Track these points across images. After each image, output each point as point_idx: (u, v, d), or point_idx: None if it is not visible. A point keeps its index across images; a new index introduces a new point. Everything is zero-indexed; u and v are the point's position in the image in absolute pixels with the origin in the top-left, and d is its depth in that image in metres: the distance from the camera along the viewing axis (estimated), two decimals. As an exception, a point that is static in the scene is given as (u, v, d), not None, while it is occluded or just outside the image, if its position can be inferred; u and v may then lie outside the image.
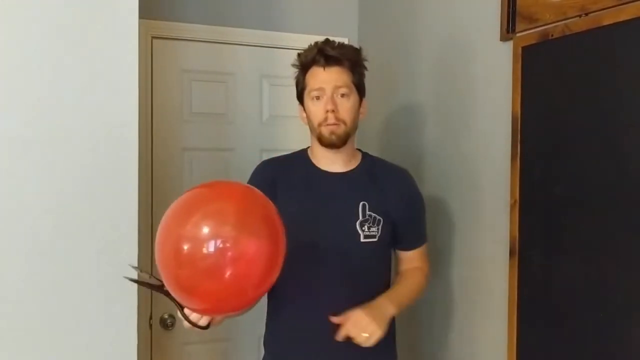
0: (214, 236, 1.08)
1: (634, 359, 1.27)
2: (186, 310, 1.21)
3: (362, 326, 1.44)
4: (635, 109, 1.27)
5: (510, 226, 1.60)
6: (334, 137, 1.55)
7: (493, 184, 1.71)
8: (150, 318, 2.26)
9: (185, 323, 1.26)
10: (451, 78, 1.93)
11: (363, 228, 1.58)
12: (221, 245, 1.08)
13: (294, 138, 2.29)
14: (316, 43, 1.60)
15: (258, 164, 1.75)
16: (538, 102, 1.53)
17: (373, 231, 1.59)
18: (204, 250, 1.07)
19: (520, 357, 1.57)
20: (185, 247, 1.08)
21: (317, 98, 1.55)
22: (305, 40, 2.20)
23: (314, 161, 1.66)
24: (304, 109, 1.62)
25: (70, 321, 1.54)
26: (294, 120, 2.34)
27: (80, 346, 1.55)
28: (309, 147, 1.72)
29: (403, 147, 2.20)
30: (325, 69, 1.54)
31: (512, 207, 1.59)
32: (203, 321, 1.26)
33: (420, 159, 2.09)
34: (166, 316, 2.28)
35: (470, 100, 1.83)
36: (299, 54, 1.63)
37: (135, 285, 1.58)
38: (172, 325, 2.28)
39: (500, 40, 1.66)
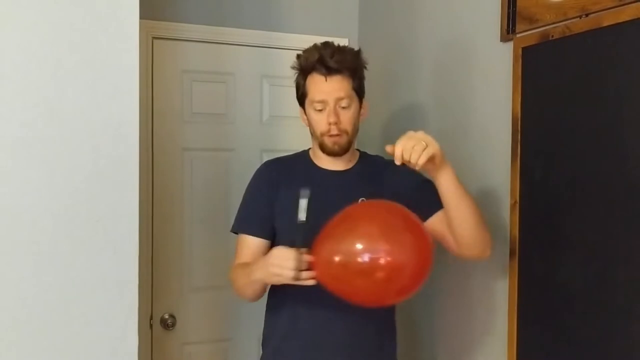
0: (365, 250, 1.37)
1: (635, 358, 1.28)
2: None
3: (416, 138, 1.36)
4: (636, 110, 1.27)
5: (511, 226, 1.60)
6: (336, 147, 1.59)
7: (493, 185, 1.71)
8: (151, 318, 2.26)
9: (288, 258, 1.39)
10: (451, 78, 1.93)
11: None
12: (371, 255, 1.36)
13: (294, 138, 2.29)
14: (316, 46, 1.59)
15: (259, 164, 1.76)
16: (538, 102, 1.53)
17: None
18: (359, 260, 1.37)
19: (520, 357, 1.57)
20: (339, 258, 1.39)
21: (320, 110, 1.56)
22: (306, 41, 2.19)
23: (316, 161, 1.68)
24: (305, 113, 1.64)
25: (70, 321, 1.54)
26: (294, 120, 2.34)
27: (80, 346, 1.55)
28: (310, 148, 1.73)
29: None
30: (327, 79, 1.54)
31: (512, 207, 1.60)
32: (310, 281, 1.40)
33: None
34: (166, 316, 2.28)
35: (471, 101, 1.83)
36: (298, 56, 1.63)
37: (137, 285, 1.58)
38: (173, 325, 2.28)
39: (501, 40, 1.66)
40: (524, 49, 1.55)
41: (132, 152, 1.59)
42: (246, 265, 1.61)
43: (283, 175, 1.66)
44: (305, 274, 1.40)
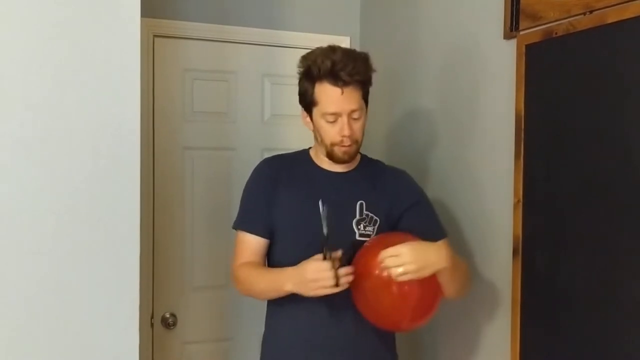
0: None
1: (638, 358, 1.27)
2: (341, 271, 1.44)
3: (400, 260, 1.38)
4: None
5: (514, 225, 1.60)
6: (346, 156, 1.60)
7: (496, 183, 1.71)
8: (152, 317, 2.25)
9: (325, 270, 1.42)
10: (454, 76, 1.92)
11: (359, 226, 1.60)
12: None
13: (295, 137, 2.28)
14: (325, 52, 1.54)
15: (260, 161, 1.75)
16: (542, 100, 1.52)
17: (369, 230, 1.60)
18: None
19: (523, 355, 1.57)
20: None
21: (332, 121, 1.55)
22: (308, 39, 2.20)
23: (317, 162, 1.68)
24: (312, 120, 1.62)
25: (71, 320, 1.53)
26: (295, 119, 2.33)
27: (81, 345, 1.54)
28: (310, 147, 1.72)
29: (406, 146, 2.20)
30: (343, 92, 1.51)
31: (515, 206, 1.59)
32: (343, 281, 1.42)
33: (423, 158, 2.08)
34: (167, 315, 2.27)
35: (474, 99, 1.82)
36: (304, 58, 1.59)
37: (138, 284, 1.58)
38: (174, 324, 2.27)
39: (504, 38, 1.65)
40: (527, 46, 1.54)
41: (133, 152, 1.59)
42: (265, 271, 1.61)
43: (284, 173, 1.66)
44: (343, 280, 1.42)
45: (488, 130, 1.76)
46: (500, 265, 1.68)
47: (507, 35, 1.63)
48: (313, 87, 1.55)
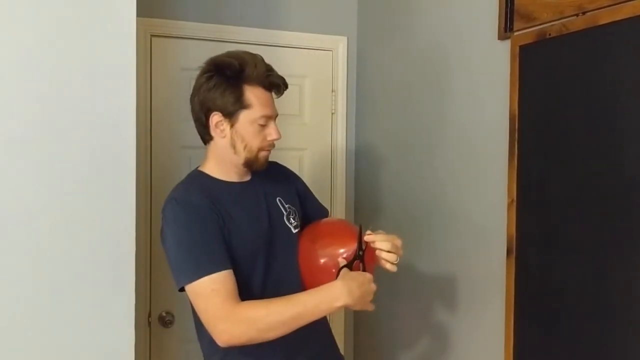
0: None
1: (631, 357, 1.28)
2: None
3: (398, 251, 1.48)
4: (632, 107, 1.27)
5: (508, 225, 1.61)
6: (266, 161, 1.54)
7: (490, 183, 1.72)
8: (149, 316, 2.26)
9: (369, 282, 1.44)
10: (449, 77, 1.93)
11: (290, 221, 1.58)
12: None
13: (291, 136, 2.29)
14: (253, 57, 1.49)
15: (172, 204, 1.47)
16: (535, 101, 1.53)
17: (296, 221, 1.60)
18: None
19: (516, 354, 1.58)
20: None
21: (263, 125, 1.48)
22: (304, 39, 2.21)
23: (223, 177, 1.55)
24: (231, 126, 1.47)
25: (68, 319, 1.54)
26: (291, 118, 2.35)
27: (77, 344, 1.55)
28: (199, 171, 1.58)
29: (399, 146, 2.21)
30: (274, 95, 1.51)
31: (509, 205, 1.60)
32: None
33: (417, 157, 2.09)
34: (164, 314, 2.28)
35: (468, 99, 1.83)
36: (230, 59, 1.48)
37: (133, 282, 1.59)
38: (171, 323, 2.28)
39: (498, 39, 1.66)
40: (521, 47, 1.55)
41: (129, 151, 1.60)
42: (291, 297, 1.39)
43: (216, 205, 1.48)
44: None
45: (482, 131, 1.77)
46: (494, 264, 1.69)
47: (502, 36, 1.64)
48: (240, 91, 1.45)
